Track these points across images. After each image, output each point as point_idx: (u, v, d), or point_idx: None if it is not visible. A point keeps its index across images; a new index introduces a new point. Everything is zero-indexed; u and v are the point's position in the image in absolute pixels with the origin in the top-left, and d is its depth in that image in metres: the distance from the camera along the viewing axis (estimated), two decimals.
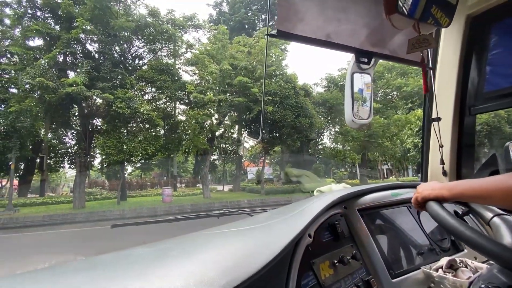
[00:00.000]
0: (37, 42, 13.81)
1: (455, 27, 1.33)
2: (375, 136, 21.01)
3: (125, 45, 14.38)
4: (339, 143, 24.66)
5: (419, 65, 1.23)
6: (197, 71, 16.36)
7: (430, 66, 1.42)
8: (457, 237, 0.60)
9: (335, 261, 0.77)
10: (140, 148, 14.72)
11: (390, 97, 23.59)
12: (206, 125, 17.30)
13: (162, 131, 16.50)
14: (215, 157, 30.86)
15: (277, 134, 17.15)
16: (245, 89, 15.26)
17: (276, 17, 0.97)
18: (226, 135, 18.93)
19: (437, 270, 0.88)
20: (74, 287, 0.49)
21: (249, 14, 24.68)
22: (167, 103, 16.00)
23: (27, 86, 11.68)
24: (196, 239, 0.81)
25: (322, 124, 19.59)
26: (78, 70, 12.77)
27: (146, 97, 15.37)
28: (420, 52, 1.15)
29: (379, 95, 22.23)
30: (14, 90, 13.90)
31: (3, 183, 21.28)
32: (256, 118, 16.04)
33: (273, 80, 17.06)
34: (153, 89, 14.75)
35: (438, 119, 1.32)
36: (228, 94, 15.25)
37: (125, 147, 14.16)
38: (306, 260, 0.70)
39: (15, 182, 24.71)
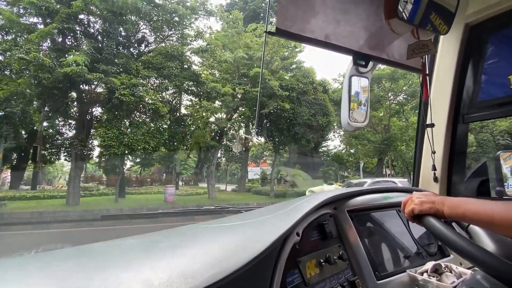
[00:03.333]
0: (33, 20, 12.43)
1: (453, 35, 1.34)
2: (393, 139, 19.72)
3: (130, 26, 12.95)
4: (349, 146, 23.36)
5: (417, 71, 1.31)
6: (208, 60, 14.93)
7: (427, 72, 1.35)
8: (458, 252, 0.59)
9: (322, 261, 0.76)
10: (142, 141, 13.32)
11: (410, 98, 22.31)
12: (216, 120, 15.94)
13: (166, 124, 15.12)
14: (218, 155, 29.55)
15: (291, 133, 15.77)
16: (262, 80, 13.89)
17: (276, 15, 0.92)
18: (235, 132, 17.53)
19: (422, 274, 0.89)
20: (62, 275, 0.49)
21: (263, 4, 23.39)
22: (174, 94, 14.58)
23: (20, 62, 10.18)
24: (185, 233, 0.82)
25: (339, 124, 18.28)
26: (78, 50, 11.34)
27: (152, 85, 13.94)
28: (420, 58, 1.16)
29: (402, 96, 20.93)
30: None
31: None
32: (271, 114, 14.67)
33: (289, 74, 15.71)
34: (160, 77, 13.30)
35: (432, 125, 1.33)
36: (243, 86, 13.87)
37: (126, 139, 12.76)
38: (292, 258, 0.69)
39: (8, 173, 23.29)
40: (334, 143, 24.43)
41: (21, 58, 9.92)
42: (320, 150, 23.95)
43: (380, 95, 20.02)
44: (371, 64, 1.21)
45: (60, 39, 12.08)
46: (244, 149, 22.79)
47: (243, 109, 15.86)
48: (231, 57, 13.28)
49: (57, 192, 18.14)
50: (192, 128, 15.75)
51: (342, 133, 21.18)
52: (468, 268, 0.92)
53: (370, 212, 1.04)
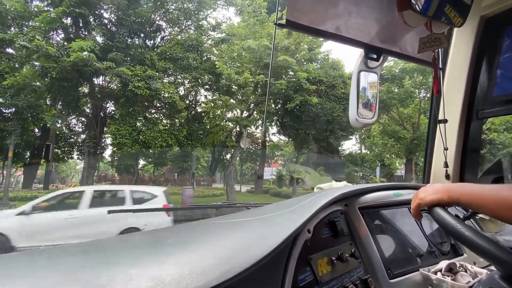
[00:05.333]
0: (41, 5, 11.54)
1: (468, 27, 1.31)
2: (423, 139, 17.99)
3: (146, 12, 11.87)
4: (374, 145, 21.68)
5: (429, 64, 1.24)
6: (229, 50, 13.70)
7: (440, 66, 1.35)
8: (464, 243, 0.58)
9: (333, 258, 0.74)
10: (159, 138, 12.29)
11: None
12: (234, 117, 14.73)
13: (183, 120, 14.02)
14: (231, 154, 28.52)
15: (318, 130, 14.38)
16: (287, 73, 12.58)
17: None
18: (255, 128, 16.27)
19: (435, 273, 0.88)
20: (70, 270, 0.49)
21: None
22: (192, 88, 13.44)
23: (24, 50, 9.31)
24: (193, 229, 0.81)
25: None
26: (86, 38, 10.34)
27: (168, 78, 12.85)
28: (432, 52, 1.13)
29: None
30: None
31: (5, 173, 19.27)
32: (296, 109, 13.32)
33: (315, 65, 14.31)
34: (178, 69, 12.19)
35: (445, 121, 1.31)
36: (264, 77, 12.58)
37: (142, 136, 11.74)
38: (304, 255, 0.68)
39: (21, 172, 22.89)
40: (357, 142, 22.79)
41: (23, 46, 8.99)
42: (345, 149, 22.46)
43: (411, 90, 18.34)
44: (381, 59, 1.14)
45: (67, 26, 11.14)
46: (260, 147, 21.60)
47: (264, 104, 14.56)
48: (255, 45, 12.00)
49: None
50: (209, 125, 14.61)
51: (369, 130, 19.58)
52: (484, 268, 0.91)
53: (381, 209, 1.00)
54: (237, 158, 27.59)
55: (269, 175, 28.60)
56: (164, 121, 12.59)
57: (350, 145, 23.97)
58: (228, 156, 28.91)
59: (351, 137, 15.74)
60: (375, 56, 1.11)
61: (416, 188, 1.08)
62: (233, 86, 12.82)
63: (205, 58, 12.79)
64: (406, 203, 1.06)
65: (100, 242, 0.70)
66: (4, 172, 19.48)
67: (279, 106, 14.54)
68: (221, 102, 13.36)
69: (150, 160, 27.69)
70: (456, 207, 0.93)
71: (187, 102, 13.21)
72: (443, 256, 1.02)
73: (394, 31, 1.13)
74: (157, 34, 12.93)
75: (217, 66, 11.95)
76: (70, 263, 0.55)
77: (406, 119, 19.12)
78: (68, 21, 10.86)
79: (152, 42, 12.85)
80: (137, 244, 0.69)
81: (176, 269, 0.46)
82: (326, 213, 0.80)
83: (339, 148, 16.76)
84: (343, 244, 0.81)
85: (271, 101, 14.20)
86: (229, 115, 14.50)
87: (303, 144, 16.59)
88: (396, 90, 17.37)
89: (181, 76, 12.43)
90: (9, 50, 12.45)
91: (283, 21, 0.95)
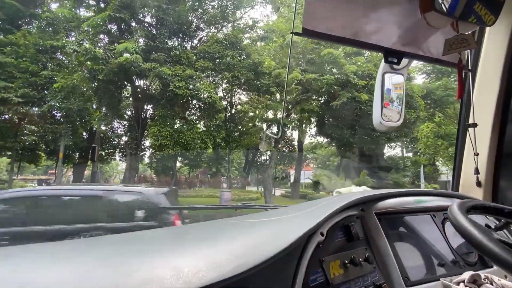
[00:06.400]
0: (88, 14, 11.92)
1: (501, 25, 1.23)
2: None
3: (186, 11, 11.68)
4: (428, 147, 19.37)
5: (455, 66, 1.14)
6: (269, 45, 13.05)
7: (470, 68, 1.31)
8: (481, 252, 0.55)
9: (346, 262, 0.74)
10: (198, 140, 11.99)
11: None
12: (273, 117, 13.99)
13: (221, 121, 13.61)
14: (265, 156, 27.75)
15: (367, 130, 13.02)
16: (333, 67, 11.54)
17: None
18: (296, 130, 15.36)
19: (458, 283, 0.82)
20: (104, 257, 0.55)
21: None
22: (232, 86, 12.98)
23: (73, 55, 9.55)
24: (211, 226, 0.87)
25: (426, 119, 14.90)
26: (131, 39, 10.36)
27: (207, 77, 12.53)
28: (458, 53, 1.06)
29: None
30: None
31: (56, 173, 20.63)
32: (342, 107, 12.16)
33: (363, 58, 13.03)
34: (217, 68, 11.79)
35: (475, 125, 1.26)
36: (311, 74, 11.65)
37: (183, 138, 11.51)
38: (316, 257, 0.69)
39: (70, 172, 24.55)
40: (406, 143, 20.71)
41: (73, 50, 9.19)
42: (395, 152, 20.53)
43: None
44: (405, 61, 1.10)
45: (112, 29, 11.33)
46: (296, 149, 20.57)
47: (307, 103, 13.61)
48: (297, 38, 11.19)
49: None
50: (247, 127, 14.05)
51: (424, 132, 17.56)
52: None
53: (400, 215, 0.97)
54: (269, 160, 26.76)
55: (302, 179, 27.40)
56: (203, 122, 12.24)
57: (398, 148, 21.88)
58: (262, 158, 28.24)
59: (404, 138, 14.07)
60: (395, 60, 1.07)
61: (441, 195, 1.08)
62: (273, 86, 12.12)
63: (244, 56, 12.23)
64: (429, 210, 1.03)
65: (128, 235, 0.76)
66: (55, 172, 20.97)
67: (322, 104, 13.47)
68: (260, 102, 12.74)
69: (186, 161, 28.05)
70: (488, 216, 0.88)
71: (225, 102, 12.76)
72: (469, 267, 0.95)
73: (416, 33, 1.06)
74: (196, 33, 12.70)
75: (263, 65, 11.34)
76: (105, 251, 0.61)
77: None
78: (112, 25, 11.01)
79: (191, 41, 12.65)
80: (161, 238, 0.75)
81: (194, 261, 0.51)
82: (341, 217, 0.79)
83: (388, 150, 15.13)
84: (357, 248, 0.79)
85: (312, 98, 13.22)
86: (269, 115, 13.84)
87: (347, 146, 15.26)
88: (455, 86, 15.36)
89: (220, 75, 12.01)
90: (60, 57, 13.20)
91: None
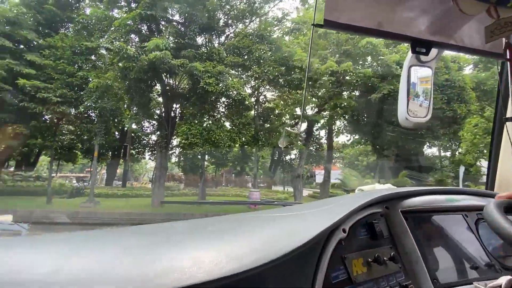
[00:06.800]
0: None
1: None
2: None
3: (215, 6, 11.37)
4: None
5: (493, 55, 1.09)
6: (297, 40, 12.37)
7: (508, 56, 1.08)
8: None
9: (370, 260, 0.72)
10: (227, 138, 11.66)
11: None
12: (305, 114, 13.27)
13: (250, 118, 13.18)
14: (291, 155, 26.94)
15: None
16: (372, 58, 10.62)
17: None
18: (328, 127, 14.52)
19: None
20: (127, 247, 0.57)
21: None
22: (262, 82, 12.48)
23: (106, 54, 9.62)
24: (231, 221, 0.85)
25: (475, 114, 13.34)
26: (161, 36, 10.25)
27: (236, 73, 12.15)
28: (504, 39, 0.99)
29: None
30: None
31: (91, 171, 21.58)
32: (384, 100, 11.16)
33: (406, 46, 11.84)
34: (247, 63, 11.35)
35: None
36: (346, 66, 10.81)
37: (213, 136, 11.24)
38: (338, 254, 0.68)
39: (104, 170, 25.63)
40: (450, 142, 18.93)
41: (106, 49, 9.23)
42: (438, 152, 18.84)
43: None
44: (434, 52, 1.02)
45: (143, 28, 11.33)
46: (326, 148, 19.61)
47: (340, 98, 12.72)
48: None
49: (143, 190, 18.46)
50: (277, 124, 13.48)
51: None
52: None
53: (429, 214, 0.94)
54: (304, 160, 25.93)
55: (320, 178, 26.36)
56: (232, 120, 11.89)
57: (434, 146, 20.08)
58: (288, 157, 27.46)
59: (452, 135, 12.70)
60: (423, 50, 0.99)
61: (475, 194, 1.03)
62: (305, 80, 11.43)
63: (274, 49, 11.67)
64: (461, 209, 0.98)
65: (150, 226, 0.77)
66: (91, 169, 21.96)
67: (358, 98, 12.51)
68: (290, 98, 12.14)
69: (212, 160, 28.14)
70: None
71: (254, 99, 12.29)
72: (506, 271, 0.90)
73: (447, 21, 0.98)
74: (225, 28, 12.36)
75: (294, 58, 10.71)
76: (128, 241, 0.63)
77: None
78: (143, 23, 11.00)
79: (220, 37, 12.34)
80: (183, 230, 0.76)
81: (213, 253, 0.51)
82: (364, 215, 0.78)
83: (432, 149, 13.78)
84: (381, 247, 0.78)
85: (347, 92, 12.34)
86: (296, 112, 13.17)
87: (384, 144, 14.13)
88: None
89: (249, 71, 11.57)
90: (94, 58, 13.57)
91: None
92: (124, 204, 13.63)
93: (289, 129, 12.17)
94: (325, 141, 20.07)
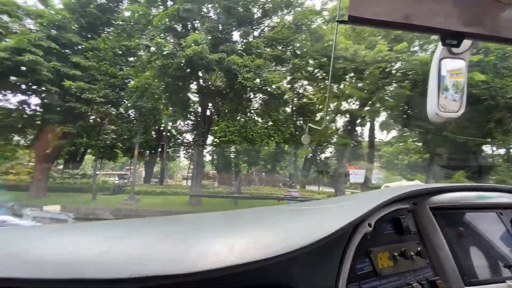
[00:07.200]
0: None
1: None
2: None
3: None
4: None
5: None
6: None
7: None
8: None
9: (396, 254, 0.73)
10: (265, 135, 11.10)
11: None
12: (349, 107, 12.26)
13: (287, 115, 12.46)
14: (327, 153, 25.65)
15: (477, 121, 10.27)
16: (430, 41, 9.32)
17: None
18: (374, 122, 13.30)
19: None
20: (169, 232, 0.62)
21: None
22: (302, 74, 11.70)
23: (145, 52, 9.55)
24: (261, 211, 0.88)
25: None
26: (198, 31, 9.95)
27: (275, 67, 11.50)
28: None
29: None
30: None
31: (131, 169, 22.42)
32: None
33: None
34: (287, 54, 10.65)
35: None
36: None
37: (251, 133, 10.75)
38: (363, 248, 0.69)
39: (142, 168, 26.64)
40: None
41: (146, 46, 9.12)
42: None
43: None
44: (467, 43, 0.94)
45: (180, 24, 11.15)
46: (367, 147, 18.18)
47: (387, 89, 11.46)
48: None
49: (179, 188, 18.70)
50: (318, 119, 12.60)
51: None
52: None
53: (459, 211, 0.93)
54: (333, 158, 24.60)
55: (357, 178, 24.62)
56: (271, 116, 11.28)
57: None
58: (322, 156, 26.17)
59: None
60: (455, 42, 0.92)
61: (510, 191, 0.98)
62: (350, 69, 10.41)
63: (315, 39, 10.82)
64: (495, 207, 0.96)
65: (190, 215, 0.84)
66: (130, 168, 22.87)
67: (411, 89, 11.18)
68: (332, 90, 11.18)
69: (245, 159, 27.86)
70: None
71: (293, 94, 11.54)
72: None
73: (480, 10, 0.90)
74: (262, 20, 11.75)
75: (338, 47, 9.78)
76: (169, 228, 0.68)
77: None
78: (180, 19, 10.81)
79: (257, 30, 11.78)
80: (216, 219, 0.80)
81: (244, 240, 0.55)
82: (390, 210, 0.78)
83: (495, 147, 11.93)
84: (408, 242, 0.78)
85: (398, 83, 11.07)
86: (341, 105, 12.15)
87: (439, 140, 12.57)
88: None
89: (289, 63, 10.85)
90: (132, 59, 13.82)
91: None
92: (163, 201, 13.78)
93: (312, 125, 11.41)
94: (362, 138, 18.68)
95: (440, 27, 0.92)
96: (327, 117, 12.71)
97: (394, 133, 18.19)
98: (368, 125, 16.09)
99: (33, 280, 0.41)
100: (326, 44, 10.51)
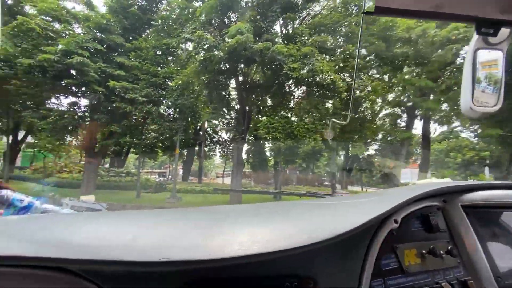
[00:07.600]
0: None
1: None
2: None
3: None
4: None
5: None
6: None
7: None
8: None
9: (424, 252, 0.71)
10: (312, 131, 10.16)
11: None
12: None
13: (338, 107, 11.31)
14: (371, 151, 23.62)
15: None
16: None
17: None
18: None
19: None
20: (196, 221, 0.67)
21: None
22: (357, 63, 10.51)
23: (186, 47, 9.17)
24: (286, 205, 0.93)
25: None
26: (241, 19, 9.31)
27: (322, 55, 10.46)
28: None
29: None
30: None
31: (170, 167, 22.84)
32: None
33: None
34: (337, 41, 9.57)
35: None
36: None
37: (294, 129, 9.91)
38: (389, 243, 0.68)
39: (180, 166, 27.23)
40: None
41: (187, 39, 8.72)
42: None
43: None
44: (505, 32, 0.85)
45: (222, 14, 10.63)
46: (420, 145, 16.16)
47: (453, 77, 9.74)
48: None
49: (217, 186, 18.52)
50: (370, 114, 11.29)
51: None
52: None
53: (494, 210, 0.87)
54: (376, 156, 22.55)
55: (407, 178, 22.19)
56: (319, 109, 10.29)
57: None
58: (365, 154, 24.20)
59: None
60: (491, 31, 0.85)
61: None
62: (412, 55, 9.00)
63: (370, 22, 9.55)
64: None
65: (218, 207, 0.91)
66: (169, 166, 23.38)
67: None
68: (390, 80, 9.84)
69: (281, 157, 26.97)
70: None
71: (344, 84, 10.40)
72: None
73: None
74: (308, 4, 10.77)
75: (396, 28, 8.49)
76: (197, 218, 0.73)
77: None
78: (222, 8, 10.29)
79: (302, 16, 10.81)
80: (241, 211, 0.85)
81: (267, 231, 0.58)
82: (419, 207, 0.76)
83: None
84: (437, 240, 0.76)
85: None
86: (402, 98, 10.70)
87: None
88: None
89: (340, 50, 9.75)
90: (171, 58, 13.74)
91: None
92: (203, 200, 13.59)
93: (336, 120, 10.22)
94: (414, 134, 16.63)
95: (474, 15, 0.85)
96: (377, 110, 11.36)
97: (442, 128, 15.93)
98: (420, 119, 14.22)
99: (73, 260, 0.44)
100: (383, 27, 9.22)
